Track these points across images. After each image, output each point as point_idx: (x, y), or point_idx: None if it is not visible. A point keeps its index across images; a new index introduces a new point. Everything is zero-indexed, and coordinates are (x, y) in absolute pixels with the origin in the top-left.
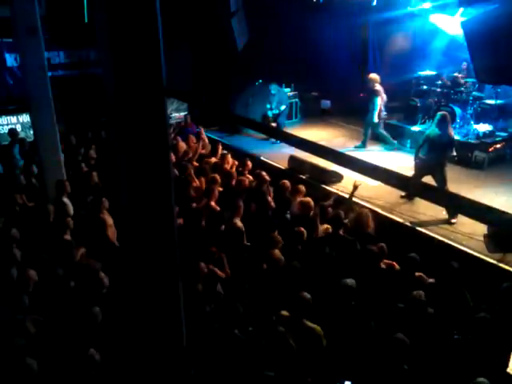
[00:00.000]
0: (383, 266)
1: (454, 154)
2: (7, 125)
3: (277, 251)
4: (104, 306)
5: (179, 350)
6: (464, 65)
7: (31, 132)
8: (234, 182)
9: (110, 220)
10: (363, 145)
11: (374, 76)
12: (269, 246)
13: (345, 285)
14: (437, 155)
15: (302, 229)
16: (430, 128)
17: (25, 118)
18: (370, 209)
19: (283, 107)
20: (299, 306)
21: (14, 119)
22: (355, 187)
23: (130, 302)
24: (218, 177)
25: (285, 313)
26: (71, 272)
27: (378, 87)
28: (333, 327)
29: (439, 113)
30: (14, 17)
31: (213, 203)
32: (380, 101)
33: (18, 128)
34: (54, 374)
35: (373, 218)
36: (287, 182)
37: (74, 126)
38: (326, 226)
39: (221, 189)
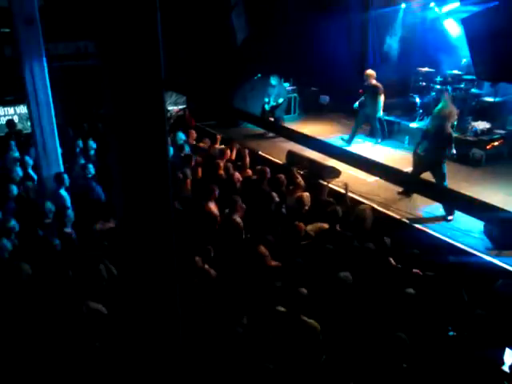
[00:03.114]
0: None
1: (454, 151)
2: (4, 116)
3: (262, 247)
4: (102, 299)
5: (175, 345)
6: (464, 62)
7: (28, 124)
8: (225, 175)
9: None
10: (350, 140)
11: (371, 72)
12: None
13: (340, 278)
14: (436, 151)
15: (302, 224)
16: (428, 123)
17: (22, 109)
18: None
19: (281, 100)
20: (296, 302)
21: (11, 110)
22: (346, 188)
23: (126, 297)
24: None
25: (281, 308)
26: (70, 263)
27: (377, 83)
28: (330, 322)
29: (437, 107)
30: (11, 7)
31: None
32: (383, 97)
33: (16, 119)
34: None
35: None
36: (282, 176)
37: (71, 118)
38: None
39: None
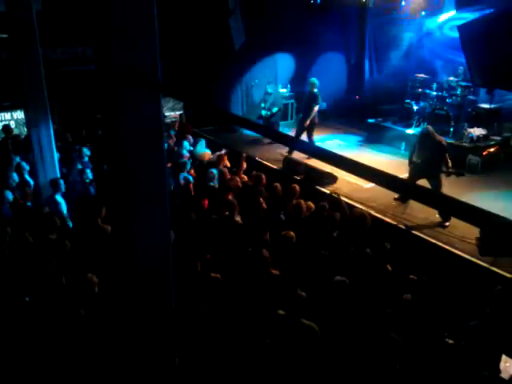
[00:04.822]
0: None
1: (450, 165)
2: (1, 121)
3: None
4: (94, 306)
5: (171, 349)
6: (460, 69)
7: (25, 129)
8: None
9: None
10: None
11: (314, 80)
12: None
13: (336, 282)
14: (431, 163)
15: (292, 233)
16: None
17: (19, 114)
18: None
19: (275, 110)
20: (296, 305)
21: (7, 115)
22: (338, 195)
23: (121, 303)
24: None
25: (281, 311)
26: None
27: (316, 93)
28: (327, 325)
29: (421, 131)
30: (8, 11)
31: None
32: (317, 108)
33: (12, 125)
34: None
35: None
36: (278, 185)
37: (69, 124)
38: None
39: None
